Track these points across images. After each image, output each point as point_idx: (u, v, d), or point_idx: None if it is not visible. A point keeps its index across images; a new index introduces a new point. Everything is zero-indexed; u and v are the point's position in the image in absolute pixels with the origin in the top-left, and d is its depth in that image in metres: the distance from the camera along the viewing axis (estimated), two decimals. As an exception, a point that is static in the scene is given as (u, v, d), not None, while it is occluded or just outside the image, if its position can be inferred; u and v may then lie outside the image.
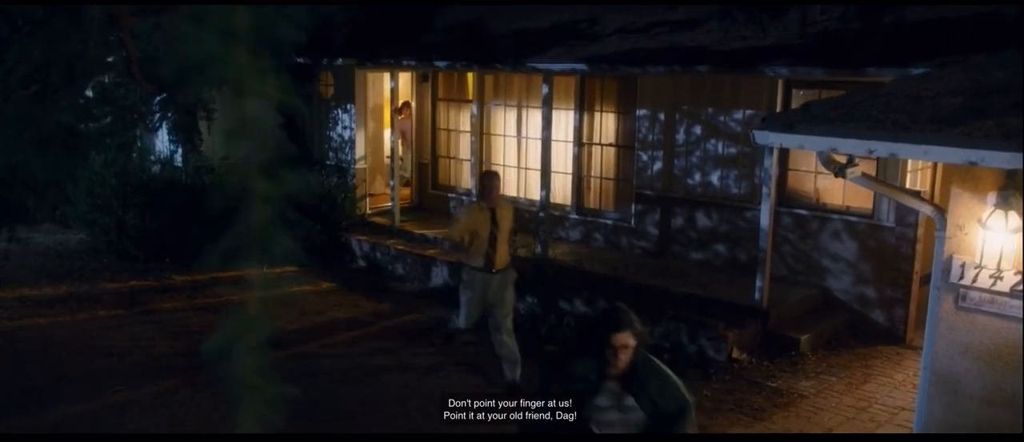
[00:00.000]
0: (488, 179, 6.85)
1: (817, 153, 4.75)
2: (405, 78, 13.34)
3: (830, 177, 8.88)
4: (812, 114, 4.56)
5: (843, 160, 4.63)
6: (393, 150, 12.08)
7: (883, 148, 4.05)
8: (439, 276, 10.43)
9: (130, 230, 11.64)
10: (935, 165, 8.84)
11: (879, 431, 6.25)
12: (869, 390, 7.04)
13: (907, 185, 8.36)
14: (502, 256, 6.75)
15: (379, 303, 9.75)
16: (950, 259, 4.46)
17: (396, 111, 12.32)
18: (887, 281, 8.39)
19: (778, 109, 7.96)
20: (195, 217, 11.64)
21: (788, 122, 4.57)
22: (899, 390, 7.03)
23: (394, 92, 11.82)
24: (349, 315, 9.25)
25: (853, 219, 8.62)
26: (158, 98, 12.01)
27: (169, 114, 12.03)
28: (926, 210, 4.73)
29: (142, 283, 10.48)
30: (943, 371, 4.48)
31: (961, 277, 4.37)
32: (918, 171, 8.55)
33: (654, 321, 8.14)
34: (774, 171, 8.04)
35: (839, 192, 8.82)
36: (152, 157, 12.71)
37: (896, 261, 8.30)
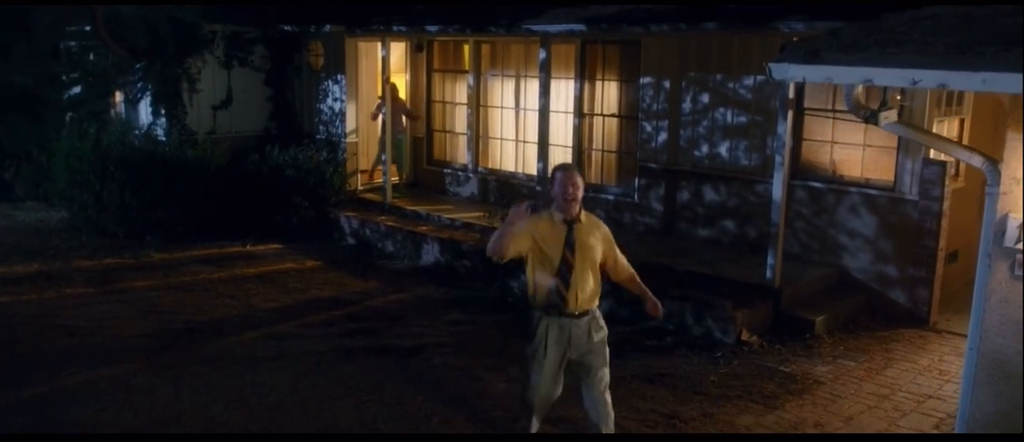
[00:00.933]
0: (564, 176, 4.44)
1: (846, 92, 4.12)
2: (399, 49, 12.73)
3: (848, 147, 8.31)
4: (842, 40, 3.94)
5: (875, 105, 3.99)
6: (384, 123, 11.47)
7: (931, 78, 3.43)
8: (430, 253, 9.85)
9: (109, 206, 11.08)
10: (962, 120, 8.22)
11: (903, 421, 5.65)
12: (891, 376, 6.43)
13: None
14: (583, 292, 4.50)
15: (365, 281, 9.18)
16: (1005, 219, 3.83)
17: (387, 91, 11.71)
18: (909, 259, 7.76)
19: (790, 86, 7.30)
20: (178, 192, 11.14)
21: (812, 51, 3.95)
22: (924, 376, 6.42)
23: (385, 61, 11.20)
24: (332, 294, 8.68)
25: (872, 192, 7.99)
26: (139, 66, 11.45)
27: (149, 84, 11.45)
28: (975, 162, 4.10)
29: (118, 261, 9.92)
30: (994, 352, 3.87)
31: (1018, 240, 3.75)
32: (944, 123, 7.91)
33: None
34: (788, 136, 7.40)
35: (857, 162, 8.18)
36: (136, 131, 12.12)
37: (919, 237, 7.67)
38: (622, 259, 4.76)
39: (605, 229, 4.67)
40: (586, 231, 4.53)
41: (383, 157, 11.65)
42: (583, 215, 4.55)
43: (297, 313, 8.01)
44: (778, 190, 7.44)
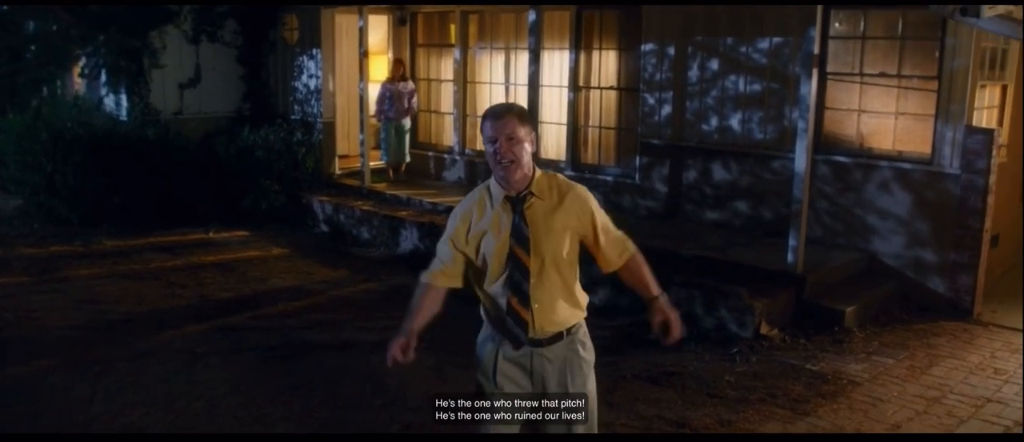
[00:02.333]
0: (493, 125, 2.92)
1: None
2: (381, 24, 11.77)
3: (877, 115, 7.32)
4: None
5: None
6: (362, 101, 10.50)
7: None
8: (408, 240, 8.89)
9: (62, 190, 10.13)
10: (1004, 86, 7.28)
11: (961, 430, 4.70)
12: (938, 376, 5.48)
13: (973, 101, 6.76)
14: (551, 305, 3.00)
15: (334, 270, 8.23)
16: None
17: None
18: (949, 242, 6.81)
19: (816, 35, 6.37)
20: (138, 176, 10.19)
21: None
22: (977, 376, 5.47)
23: (363, 32, 10.24)
24: (295, 283, 7.73)
25: (906, 166, 7.03)
26: (102, 38, 10.49)
27: (104, 58, 10.49)
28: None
29: (65, 248, 8.98)
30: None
31: None
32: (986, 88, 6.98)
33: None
34: (813, 98, 6.43)
35: (888, 133, 7.22)
36: (98, 111, 11.16)
37: (961, 217, 6.71)
38: (615, 237, 3.08)
39: (582, 196, 3.01)
40: (548, 209, 2.95)
41: (363, 134, 10.68)
42: (541, 180, 2.98)
43: (252, 304, 7.06)
44: (801, 161, 6.48)
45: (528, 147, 2.92)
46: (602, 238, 3.04)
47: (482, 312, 3.12)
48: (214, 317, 6.66)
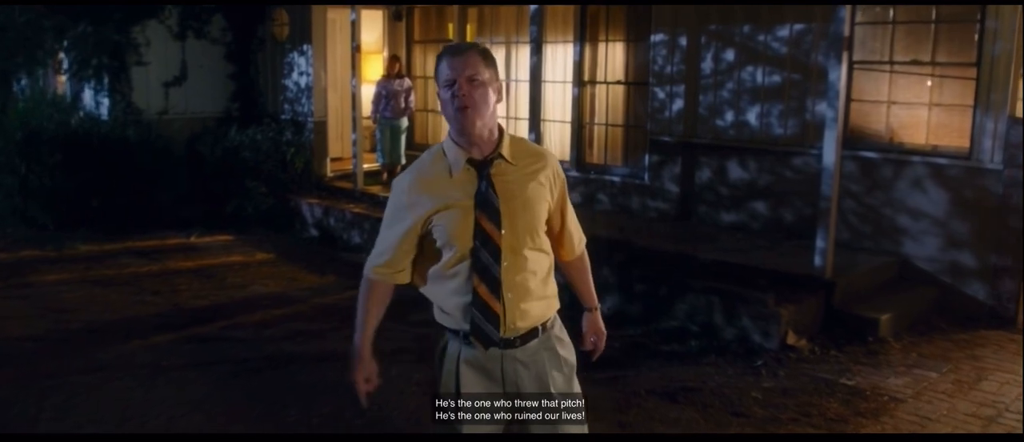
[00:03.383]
0: (450, 63, 2.34)
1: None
2: (375, 20, 11.23)
3: (910, 107, 6.70)
4: None
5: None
6: (354, 98, 9.94)
7: None
8: (402, 244, 8.30)
9: (37, 193, 9.57)
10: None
11: (1027, 454, 4.10)
12: (989, 391, 4.88)
13: (1017, 89, 6.17)
14: (525, 292, 2.43)
15: (321, 276, 7.64)
16: None
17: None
18: (989, 244, 6.22)
19: (846, 15, 5.79)
20: (118, 178, 9.65)
21: None
22: (1034, 391, 4.87)
23: (355, 26, 9.68)
24: (277, 290, 7.14)
25: (942, 161, 6.44)
26: (80, 30, 9.94)
27: (81, 53, 9.94)
28: None
29: (37, 253, 8.41)
30: None
31: None
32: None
33: (674, 295, 6.01)
34: (843, 84, 5.85)
35: (921, 125, 6.64)
36: (78, 109, 10.60)
37: (1003, 216, 6.12)
38: (573, 223, 2.61)
39: (556, 165, 2.49)
40: (521, 176, 2.41)
41: (355, 133, 10.11)
42: (511, 142, 2.44)
43: (229, 312, 6.48)
44: (831, 154, 5.88)
45: (493, 95, 2.36)
46: (568, 218, 2.59)
47: (435, 313, 2.53)
48: (185, 326, 6.08)
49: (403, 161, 10.26)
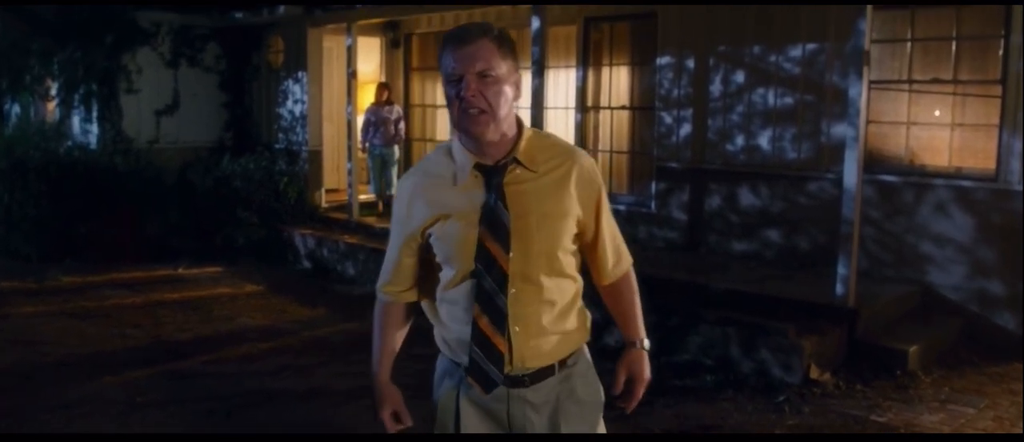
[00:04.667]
0: (453, 54, 1.92)
1: None
2: (373, 48, 10.98)
3: (930, 128, 6.38)
4: None
5: None
6: (349, 126, 9.64)
7: None
8: (398, 275, 7.93)
9: (21, 223, 9.25)
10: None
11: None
12: (1034, 428, 4.48)
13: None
14: (536, 325, 2.02)
15: (312, 309, 7.26)
16: None
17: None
18: (1019, 271, 5.85)
19: (866, 28, 5.48)
20: (105, 208, 9.33)
21: None
22: (1082, 428, 4.47)
23: (351, 51, 9.41)
24: (266, 323, 6.76)
25: (966, 184, 6.10)
26: (69, 54, 9.68)
27: (63, 78, 9.66)
28: None
29: (16, 284, 8.04)
30: None
31: None
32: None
33: (687, 327, 5.63)
34: (864, 103, 5.51)
35: (943, 147, 6.31)
36: (64, 136, 10.31)
37: (1035, 242, 5.78)
38: (611, 238, 2.14)
39: (590, 170, 2.06)
40: (542, 185, 2.00)
41: (351, 162, 9.78)
42: (530, 142, 2.01)
43: (213, 346, 6.09)
44: (851, 175, 5.54)
45: (509, 92, 1.94)
46: (604, 235, 2.10)
47: (436, 337, 2.17)
48: (164, 361, 5.69)
49: (394, 190, 9.92)
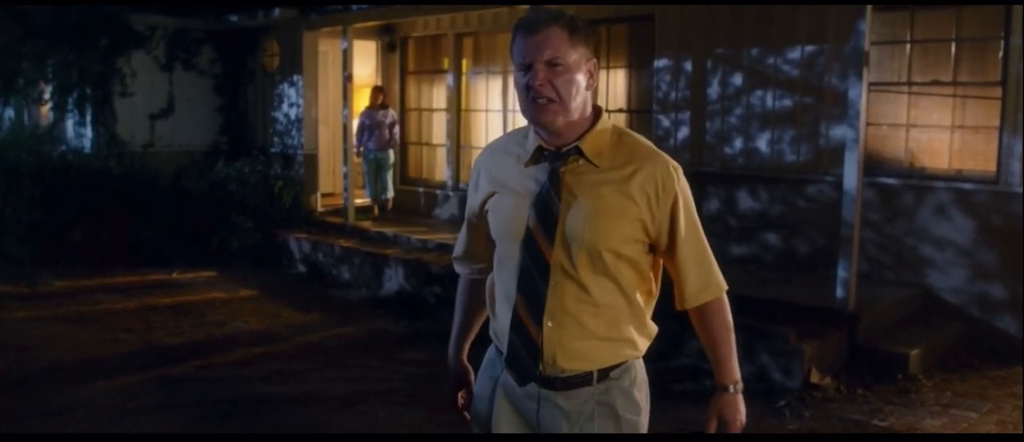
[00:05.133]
0: (523, 42, 1.87)
1: None
2: (369, 51, 10.93)
3: (930, 130, 6.35)
4: None
5: None
6: (345, 129, 9.58)
7: None
8: (393, 280, 7.88)
9: (13, 227, 9.17)
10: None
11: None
12: (1037, 433, 4.43)
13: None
14: (576, 325, 1.92)
15: (307, 314, 7.19)
16: None
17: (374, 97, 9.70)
18: (1020, 273, 5.81)
19: (866, 29, 5.44)
20: (99, 212, 9.25)
21: None
22: (1087, 432, 4.42)
23: (346, 54, 9.35)
24: (259, 327, 6.69)
25: (967, 186, 6.06)
26: (61, 57, 9.60)
27: (55, 81, 9.59)
28: None
29: (8, 289, 7.94)
30: None
31: None
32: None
33: (686, 330, 5.55)
34: (864, 103, 5.47)
35: (943, 149, 6.28)
36: (56, 139, 10.24)
37: (1036, 244, 5.73)
38: (694, 259, 1.99)
39: (666, 172, 1.92)
40: (602, 178, 1.91)
41: (346, 166, 9.72)
42: (601, 134, 1.94)
43: (206, 351, 6.02)
44: (852, 177, 5.49)
45: (581, 80, 1.88)
46: (682, 249, 1.95)
47: (489, 314, 2.11)
48: (156, 366, 5.62)
49: (391, 194, 9.87)
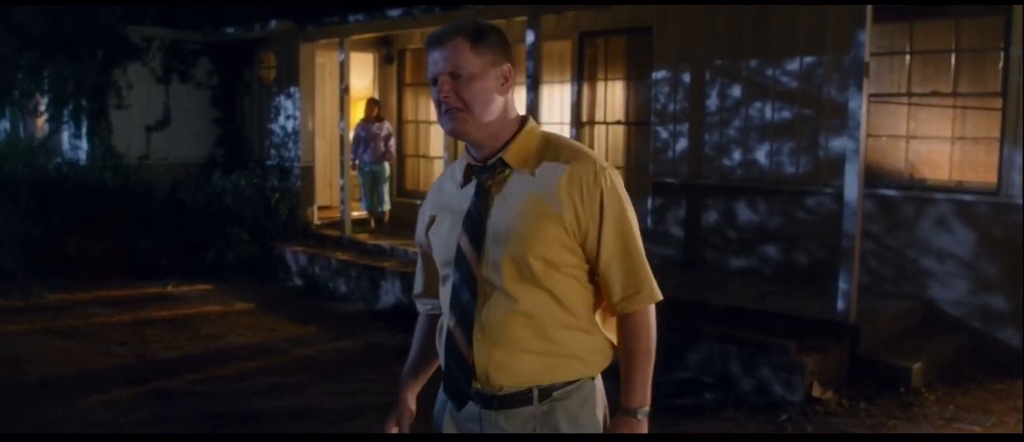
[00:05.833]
0: (435, 51, 1.85)
1: None
2: (366, 64, 10.91)
3: (930, 141, 6.32)
4: None
5: None
6: (342, 141, 9.55)
7: None
8: (390, 293, 7.82)
9: (7, 239, 9.09)
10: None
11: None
12: (1042, 447, 4.38)
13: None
14: (509, 341, 1.83)
15: (303, 327, 7.12)
16: None
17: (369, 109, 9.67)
18: (1021, 285, 5.77)
19: (866, 39, 5.42)
20: (94, 224, 9.20)
21: None
22: (1093, 446, 4.37)
23: (343, 66, 9.33)
24: (255, 341, 6.62)
25: (968, 198, 6.03)
26: (57, 70, 9.55)
27: (49, 93, 9.54)
28: None
29: (2, 302, 7.88)
30: None
31: None
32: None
33: (686, 344, 5.53)
34: (864, 113, 5.44)
35: (944, 161, 6.25)
36: (50, 151, 10.19)
37: (1037, 256, 5.70)
38: (619, 264, 1.85)
39: (593, 172, 1.82)
40: (529, 185, 1.84)
41: (343, 178, 9.67)
42: (525, 141, 1.88)
43: (200, 364, 5.95)
44: (852, 189, 5.46)
45: (492, 85, 1.84)
46: (609, 255, 1.82)
47: None
48: (150, 380, 5.55)
49: (387, 207, 9.82)
